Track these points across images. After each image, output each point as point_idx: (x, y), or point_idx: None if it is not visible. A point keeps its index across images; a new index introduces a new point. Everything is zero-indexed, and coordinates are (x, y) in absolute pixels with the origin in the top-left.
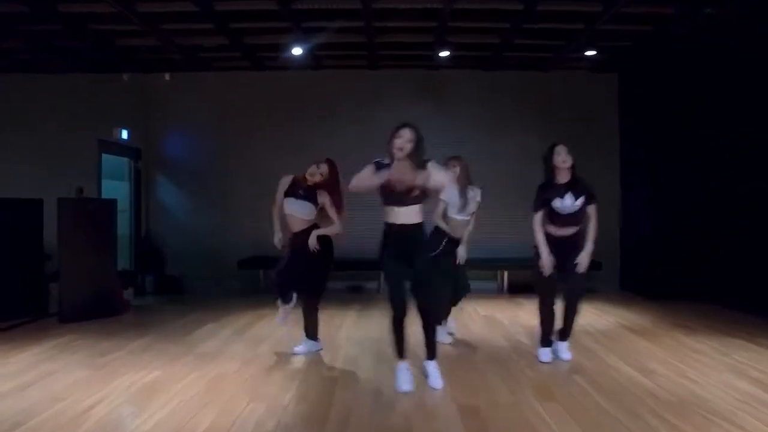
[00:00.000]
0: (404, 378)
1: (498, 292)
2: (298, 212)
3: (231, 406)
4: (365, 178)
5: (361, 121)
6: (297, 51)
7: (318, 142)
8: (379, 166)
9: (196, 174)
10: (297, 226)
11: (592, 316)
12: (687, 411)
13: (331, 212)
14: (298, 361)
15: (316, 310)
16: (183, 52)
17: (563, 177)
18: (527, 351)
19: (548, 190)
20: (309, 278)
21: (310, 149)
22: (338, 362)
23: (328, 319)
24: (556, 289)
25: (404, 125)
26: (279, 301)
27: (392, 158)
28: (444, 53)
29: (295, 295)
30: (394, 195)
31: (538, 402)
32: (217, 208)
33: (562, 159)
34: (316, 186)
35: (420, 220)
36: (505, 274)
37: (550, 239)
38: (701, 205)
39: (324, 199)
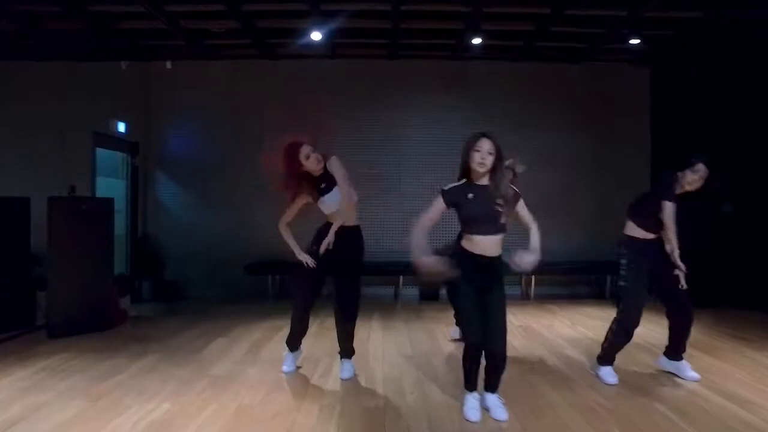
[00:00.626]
0: (472, 406)
1: (523, 298)
2: (335, 204)
3: None
4: (433, 218)
5: (381, 115)
6: (316, 36)
7: (337, 133)
8: (453, 194)
9: (199, 171)
10: (348, 220)
11: (639, 328)
12: None
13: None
14: (331, 387)
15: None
16: (188, 37)
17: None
18: (581, 368)
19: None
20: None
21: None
22: (378, 387)
23: None
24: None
25: (482, 135)
26: (286, 348)
27: (468, 175)
28: (476, 40)
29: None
30: (480, 222)
31: None
32: (223, 209)
33: (701, 176)
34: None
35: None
36: (532, 279)
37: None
38: (740, 211)
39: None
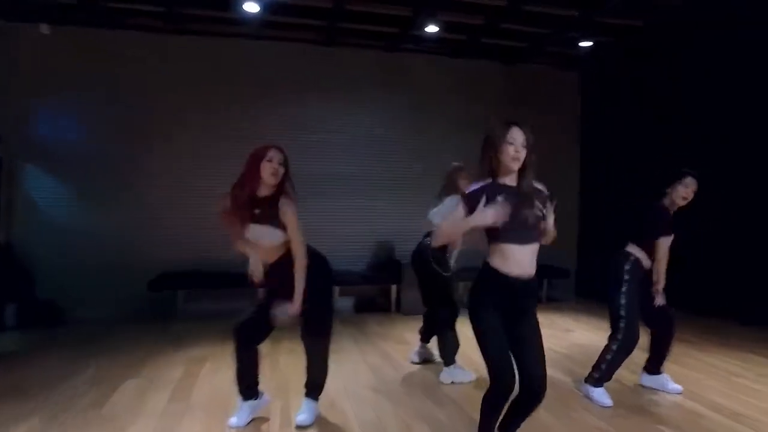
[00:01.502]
0: None
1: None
2: (266, 239)
3: None
4: (458, 225)
5: (310, 105)
6: (252, 8)
7: (250, 128)
8: (473, 197)
9: (82, 164)
10: (269, 256)
11: (588, 334)
12: None
13: (295, 236)
14: None
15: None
16: None
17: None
18: (565, 386)
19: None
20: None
21: (238, 136)
22: None
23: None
24: None
25: (514, 124)
26: (239, 397)
27: (493, 174)
28: (431, 28)
29: (264, 394)
30: (516, 229)
31: None
32: (114, 210)
33: (693, 190)
34: (276, 193)
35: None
36: None
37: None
38: None
39: (289, 216)
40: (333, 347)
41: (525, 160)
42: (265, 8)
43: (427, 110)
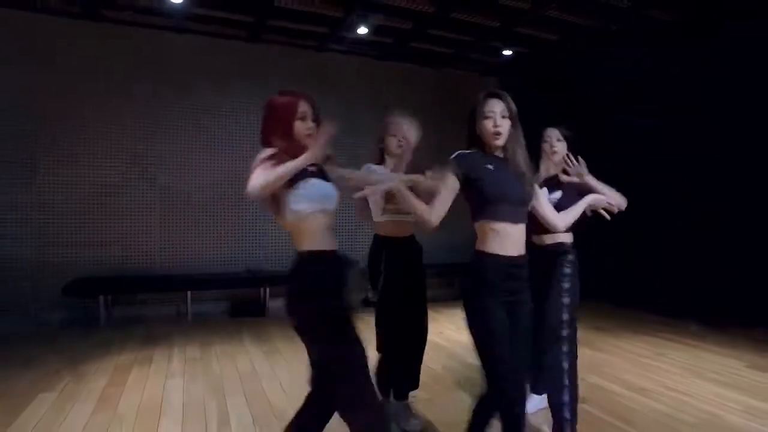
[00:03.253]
0: None
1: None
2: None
3: None
4: (447, 198)
5: (228, 101)
6: None
7: (169, 123)
8: (468, 163)
9: None
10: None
11: None
12: None
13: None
14: None
15: None
16: None
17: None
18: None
19: None
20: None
21: (156, 131)
22: None
23: (229, 361)
24: None
25: (492, 95)
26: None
27: (481, 147)
28: (362, 30)
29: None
30: (508, 203)
31: None
32: (21, 210)
33: (556, 139)
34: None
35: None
36: None
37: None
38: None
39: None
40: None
41: (510, 134)
42: (185, 3)
43: (353, 111)
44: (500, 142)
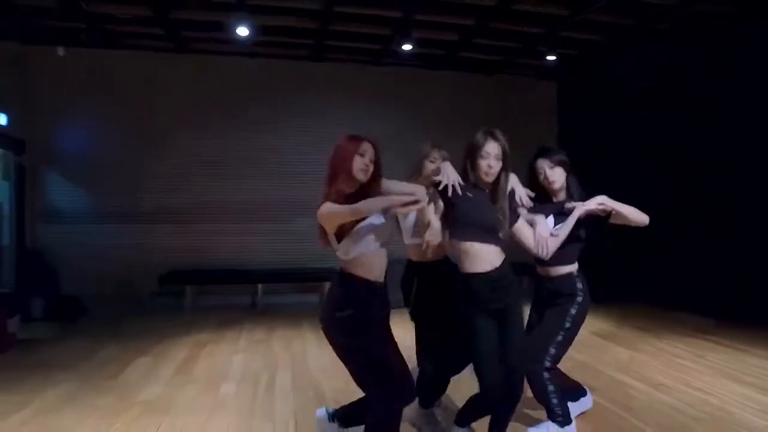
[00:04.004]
0: None
1: None
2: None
3: None
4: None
5: (301, 116)
6: (243, 31)
7: (248, 137)
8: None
9: (99, 172)
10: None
11: None
12: (722, 427)
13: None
14: (279, 401)
15: None
16: (88, 21)
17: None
18: None
19: None
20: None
21: (238, 145)
22: (327, 399)
23: (286, 344)
24: None
25: (490, 136)
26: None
27: (472, 182)
28: (407, 46)
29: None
30: (478, 227)
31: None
32: (128, 214)
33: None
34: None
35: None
36: None
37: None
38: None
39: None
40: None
41: (499, 174)
42: (256, 31)
43: (411, 119)
44: (490, 179)
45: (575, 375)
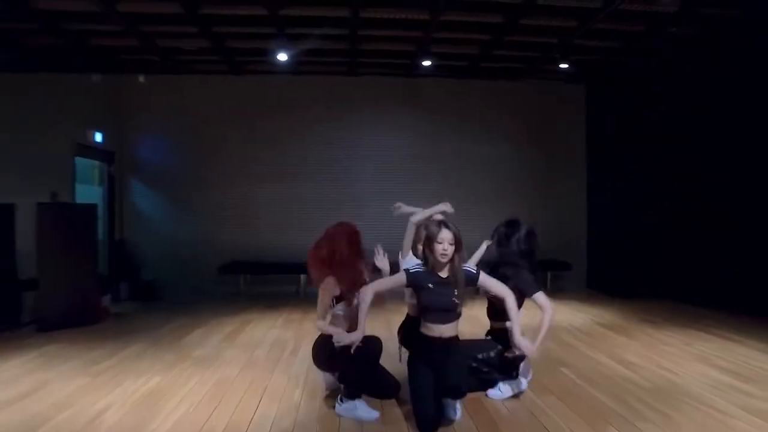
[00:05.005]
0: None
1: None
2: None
3: (243, 405)
4: (388, 287)
5: (341, 126)
6: (282, 57)
7: (295, 145)
8: (415, 278)
9: (172, 179)
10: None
11: (567, 314)
12: (666, 396)
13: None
14: (298, 363)
15: None
16: (161, 54)
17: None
18: None
19: None
20: None
21: (287, 153)
22: None
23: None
24: None
25: (443, 226)
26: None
27: (427, 262)
28: (426, 62)
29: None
30: (438, 312)
31: (535, 395)
32: (195, 213)
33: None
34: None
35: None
36: None
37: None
38: (659, 212)
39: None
40: None
41: (453, 256)
42: (294, 55)
43: (439, 125)
44: (445, 260)
45: (562, 355)
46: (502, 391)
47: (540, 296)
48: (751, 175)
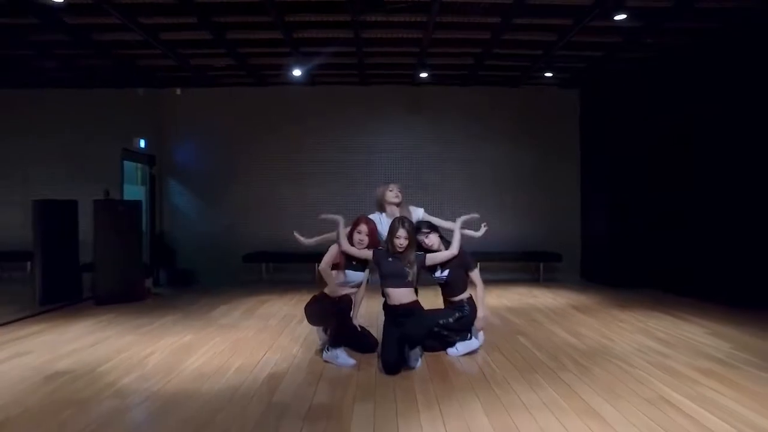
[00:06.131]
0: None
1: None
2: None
3: (253, 355)
4: (355, 255)
5: (354, 129)
6: (297, 72)
7: (312, 147)
8: (380, 255)
9: (204, 179)
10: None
11: (548, 299)
12: (595, 355)
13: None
14: (303, 329)
15: None
16: (195, 71)
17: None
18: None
19: None
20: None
21: (304, 155)
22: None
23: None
24: None
25: (401, 226)
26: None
27: (391, 249)
28: (423, 74)
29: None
30: (393, 278)
31: (486, 354)
32: (224, 210)
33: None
34: None
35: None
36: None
37: None
38: (649, 206)
39: None
40: None
41: (406, 247)
42: (307, 70)
43: (442, 129)
44: (400, 250)
45: (525, 329)
46: (458, 349)
47: (475, 273)
48: (740, 173)
